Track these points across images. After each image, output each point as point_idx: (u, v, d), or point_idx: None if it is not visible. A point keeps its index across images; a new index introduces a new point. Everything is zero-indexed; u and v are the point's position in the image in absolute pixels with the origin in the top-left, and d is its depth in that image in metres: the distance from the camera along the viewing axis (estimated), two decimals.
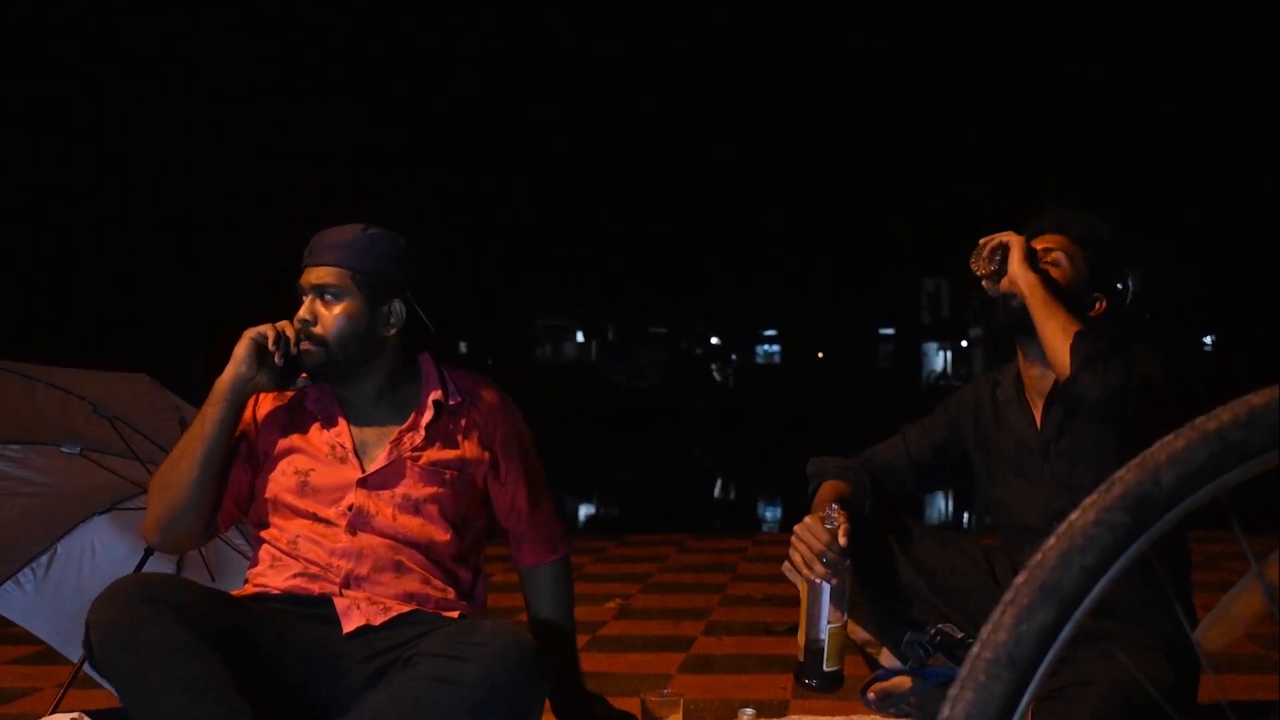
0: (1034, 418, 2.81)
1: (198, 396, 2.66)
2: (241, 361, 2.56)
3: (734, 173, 50.90)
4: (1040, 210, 2.89)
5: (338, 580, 2.52)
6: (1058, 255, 2.77)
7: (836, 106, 51.32)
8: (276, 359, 2.57)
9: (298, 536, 2.56)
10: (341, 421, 2.66)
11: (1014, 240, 2.72)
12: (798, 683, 2.67)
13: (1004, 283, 2.71)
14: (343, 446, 2.62)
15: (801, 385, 41.17)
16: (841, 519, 2.64)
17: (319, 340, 2.60)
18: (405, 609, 2.51)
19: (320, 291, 2.62)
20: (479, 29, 47.24)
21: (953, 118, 48.95)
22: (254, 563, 2.64)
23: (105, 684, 3.33)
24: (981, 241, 2.77)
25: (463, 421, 2.70)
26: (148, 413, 3.19)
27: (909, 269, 49.31)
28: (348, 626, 2.46)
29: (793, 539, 2.66)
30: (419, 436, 2.64)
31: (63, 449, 3.25)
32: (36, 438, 3.26)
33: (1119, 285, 2.82)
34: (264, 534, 2.63)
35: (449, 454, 2.66)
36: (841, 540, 2.61)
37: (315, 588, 2.51)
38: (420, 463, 2.62)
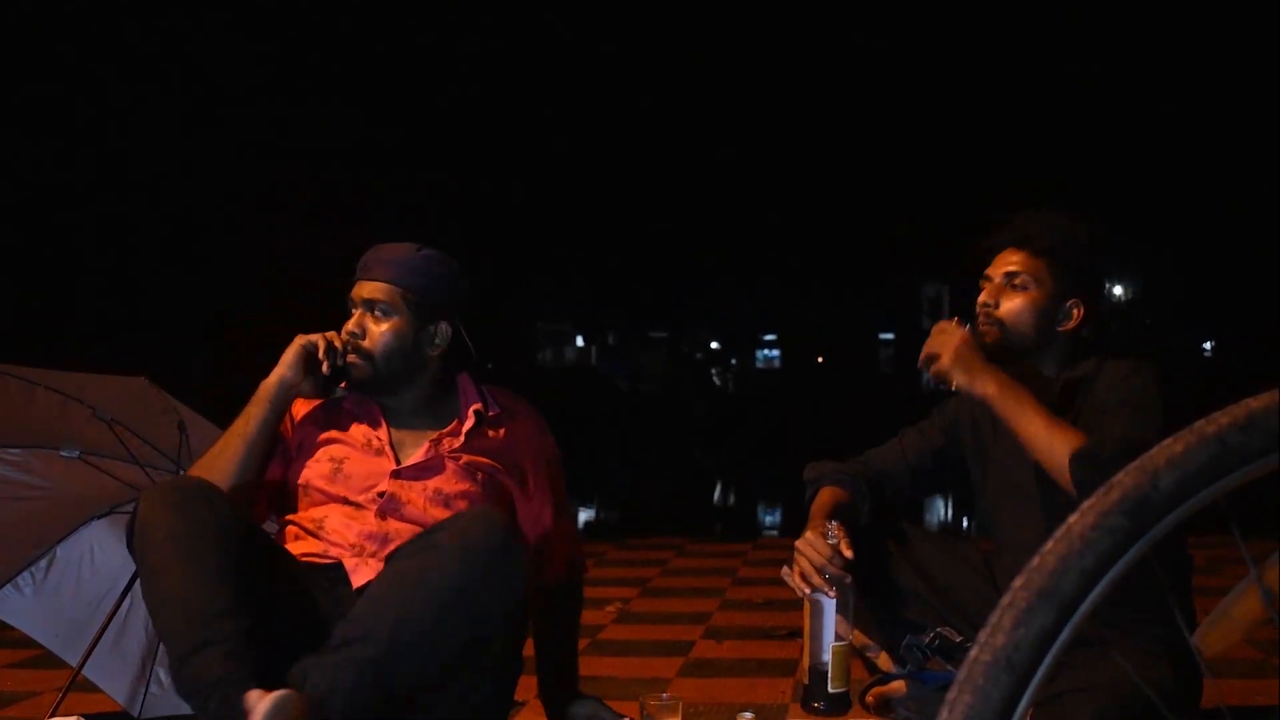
0: None
1: (197, 397, 2.67)
2: (289, 366, 2.63)
3: (734, 174, 50.91)
4: (1009, 218, 2.83)
5: (356, 556, 2.55)
6: (1024, 278, 2.73)
7: (836, 108, 51.32)
8: (325, 369, 2.63)
9: (325, 517, 2.60)
10: (381, 421, 2.72)
11: (943, 354, 2.65)
12: (805, 708, 2.66)
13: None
14: (379, 439, 2.69)
15: (802, 389, 41.15)
16: (841, 533, 2.63)
17: (365, 354, 2.67)
18: None
19: (370, 306, 2.70)
20: (479, 29, 47.27)
21: (952, 119, 48.97)
22: (274, 536, 2.67)
23: (103, 688, 3.35)
24: (920, 364, 2.72)
25: (501, 432, 2.77)
26: (146, 416, 3.19)
27: (909, 272, 49.32)
28: (357, 582, 2.50)
29: (795, 555, 2.66)
30: (458, 441, 2.70)
31: (61, 453, 3.25)
32: (35, 441, 3.26)
33: (1096, 285, 2.79)
34: (289, 516, 2.66)
35: (483, 459, 2.71)
36: (846, 553, 2.61)
37: (332, 561, 2.55)
38: (459, 461, 2.68)
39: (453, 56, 44.95)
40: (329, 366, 2.63)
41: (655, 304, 50.69)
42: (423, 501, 2.62)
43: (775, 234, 48.84)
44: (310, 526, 2.60)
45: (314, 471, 2.65)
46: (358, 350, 2.66)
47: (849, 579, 2.63)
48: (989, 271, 2.80)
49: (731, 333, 55.88)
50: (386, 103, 41.41)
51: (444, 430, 2.72)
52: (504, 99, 46.85)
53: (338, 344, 2.65)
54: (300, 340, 2.65)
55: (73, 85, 32.37)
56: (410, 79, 42.78)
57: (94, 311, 29.22)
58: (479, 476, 2.69)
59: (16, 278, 28.15)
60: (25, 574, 3.40)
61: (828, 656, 2.61)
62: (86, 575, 3.41)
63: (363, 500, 2.61)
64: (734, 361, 55.68)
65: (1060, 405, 2.71)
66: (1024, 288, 2.73)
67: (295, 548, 2.59)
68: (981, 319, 2.75)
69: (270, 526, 2.74)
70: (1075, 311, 2.74)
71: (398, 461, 2.66)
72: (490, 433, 2.76)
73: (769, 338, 58.37)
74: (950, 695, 0.90)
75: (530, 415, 2.87)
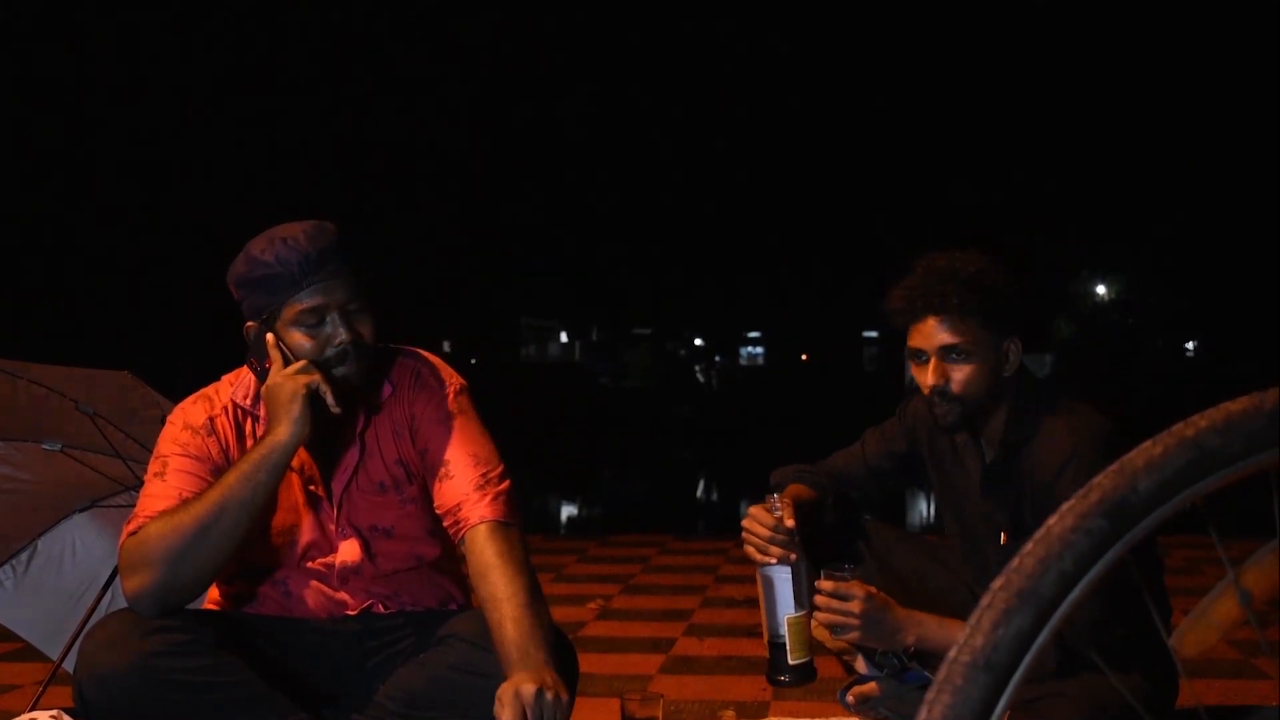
0: (984, 462, 2.79)
1: (183, 397, 2.60)
2: (300, 419, 2.31)
3: (719, 172, 50.96)
4: (913, 276, 2.70)
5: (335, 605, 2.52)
6: (962, 348, 2.62)
7: (822, 107, 51.39)
8: (334, 408, 2.34)
9: (288, 582, 2.51)
10: (305, 454, 2.50)
11: (853, 629, 2.56)
12: (771, 682, 2.67)
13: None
14: (315, 482, 2.50)
15: (785, 386, 41.19)
16: (785, 505, 2.64)
17: (365, 351, 2.40)
18: (414, 606, 2.54)
19: (347, 306, 2.39)
20: (467, 27, 47.19)
21: (938, 120, 49.06)
22: (232, 580, 2.55)
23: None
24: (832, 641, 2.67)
25: (396, 416, 2.52)
26: (129, 409, 3.19)
27: (894, 272, 49.38)
28: (354, 609, 2.49)
29: (743, 532, 2.67)
30: (355, 452, 2.50)
31: (44, 446, 3.24)
32: (17, 434, 3.25)
33: (1022, 314, 2.70)
34: (235, 588, 2.55)
35: (390, 465, 2.51)
36: (788, 522, 2.61)
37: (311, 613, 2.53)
38: (372, 483, 2.50)
39: (442, 55, 44.88)
40: (336, 404, 2.33)
41: (639, 300, 50.69)
42: (369, 556, 2.48)
43: (760, 231, 48.91)
44: (276, 596, 2.50)
45: (263, 545, 2.47)
46: (360, 351, 2.39)
47: (794, 556, 2.62)
48: (918, 345, 2.67)
49: (715, 330, 55.90)
50: (377, 102, 41.35)
51: (349, 445, 2.50)
52: (490, 98, 46.80)
53: (325, 384, 2.33)
54: (298, 387, 2.31)
55: (71, 83, 32.29)
56: (401, 80, 42.71)
57: (80, 308, 29.14)
58: (398, 495, 2.50)
59: (1, 272, 28.07)
60: (6, 567, 3.39)
61: (784, 630, 2.62)
62: (68, 569, 3.41)
63: (317, 567, 2.49)
64: (718, 359, 55.70)
65: (1002, 472, 2.70)
66: (966, 358, 2.63)
67: (261, 608, 2.51)
68: (937, 404, 2.66)
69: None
70: (1014, 349, 2.68)
71: (331, 501, 2.48)
72: (387, 423, 2.51)
73: (753, 335, 58.40)
74: (929, 695, 0.90)
75: (413, 377, 2.54)
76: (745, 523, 2.66)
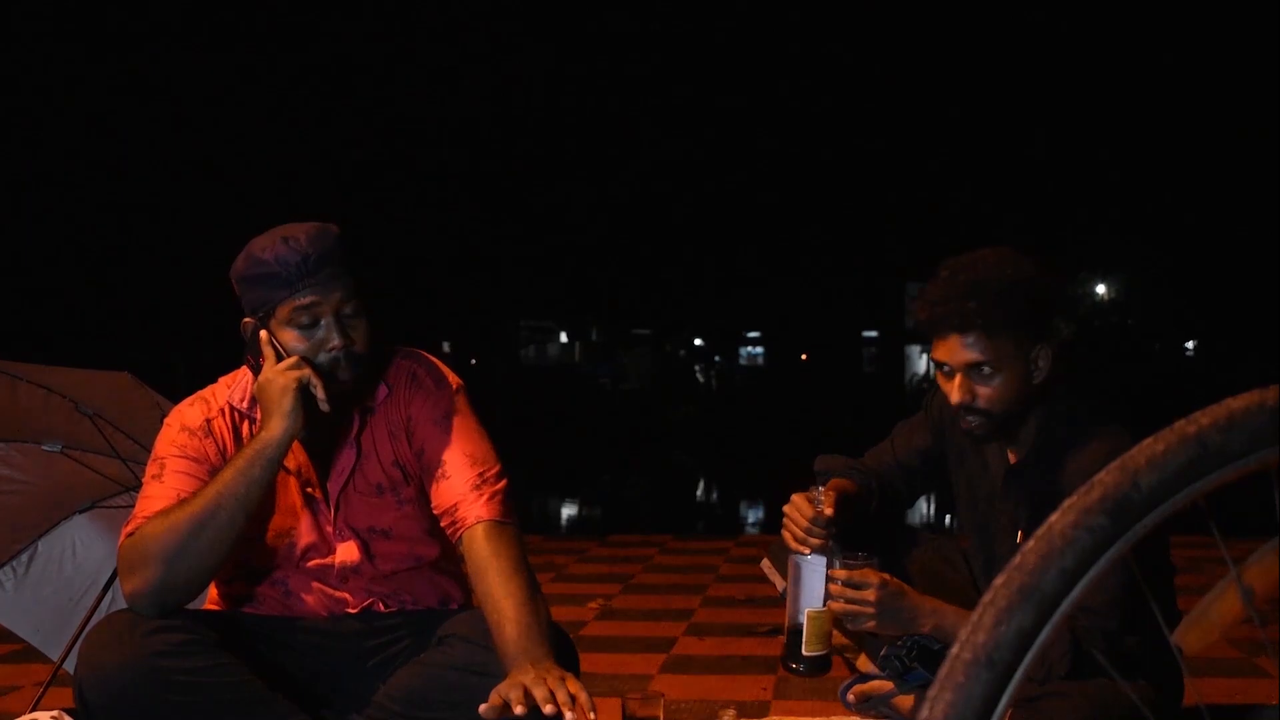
0: (1008, 461, 2.77)
1: (181, 396, 2.60)
2: (292, 414, 2.31)
3: (718, 172, 50.94)
4: (937, 287, 2.57)
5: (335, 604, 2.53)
6: (989, 366, 2.52)
7: (820, 108, 51.39)
8: (324, 404, 2.34)
9: (286, 582, 2.52)
10: (303, 454, 2.51)
11: (868, 619, 2.54)
12: (784, 668, 2.67)
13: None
14: (311, 483, 2.50)
15: (785, 387, 41.19)
16: (827, 495, 2.62)
17: (358, 359, 2.40)
18: (414, 606, 2.54)
19: (340, 309, 2.39)
20: (470, 28, 47.21)
21: (936, 117, 49.05)
22: (232, 580, 2.55)
23: None
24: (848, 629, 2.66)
25: (392, 417, 2.52)
26: (129, 410, 3.18)
27: (893, 271, 49.40)
28: (355, 608, 2.49)
29: (784, 518, 2.65)
30: (352, 454, 2.50)
31: (44, 447, 3.24)
32: (17, 435, 3.25)
33: (1053, 317, 2.59)
34: (233, 589, 2.56)
35: (387, 467, 2.51)
36: (827, 511, 2.58)
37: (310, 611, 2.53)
38: (369, 485, 2.50)
39: (437, 52, 44.91)
40: (326, 401, 2.33)
41: (639, 301, 50.64)
42: (368, 554, 2.48)
43: (759, 232, 48.88)
44: (276, 596, 2.50)
45: (262, 547, 2.48)
46: (351, 358, 2.38)
47: (832, 544, 2.60)
48: (943, 359, 2.57)
49: (715, 330, 55.87)
50: (372, 103, 41.35)
51: (344, 447, 2.50)
52: (486, 98, 46.79)
53: (313, 376, 2.34)
54: (289, 382, 2.31)
55: (65, 81, 32.28)
56: (394, 81, 42.72)
57: (78, 308, 29.14)
58: (394, 497, 2.51)
59: (1, 273, 28.06)
60: (6, 568, 3.39)
61: (802, 618, 2.60)
62: (68, 570, 3.40)
63: (316, 568, 2.49)
64: (717, 359, 55.67)
65: (1028, 473, 2.65)
66: (994, 374, 2.53)
67: (261, 608, 2.51)
68: (965, 417, 2.59)
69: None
70: (1044, 355, 2.57)
71: (328, 503, 2.48)
72: (383, 425, 2.50)
73: (753, 335, 58.38)
74: (931, 692, 0.90)
75: (409, 379, 2.53)
76: (786, 509, 2.63)
